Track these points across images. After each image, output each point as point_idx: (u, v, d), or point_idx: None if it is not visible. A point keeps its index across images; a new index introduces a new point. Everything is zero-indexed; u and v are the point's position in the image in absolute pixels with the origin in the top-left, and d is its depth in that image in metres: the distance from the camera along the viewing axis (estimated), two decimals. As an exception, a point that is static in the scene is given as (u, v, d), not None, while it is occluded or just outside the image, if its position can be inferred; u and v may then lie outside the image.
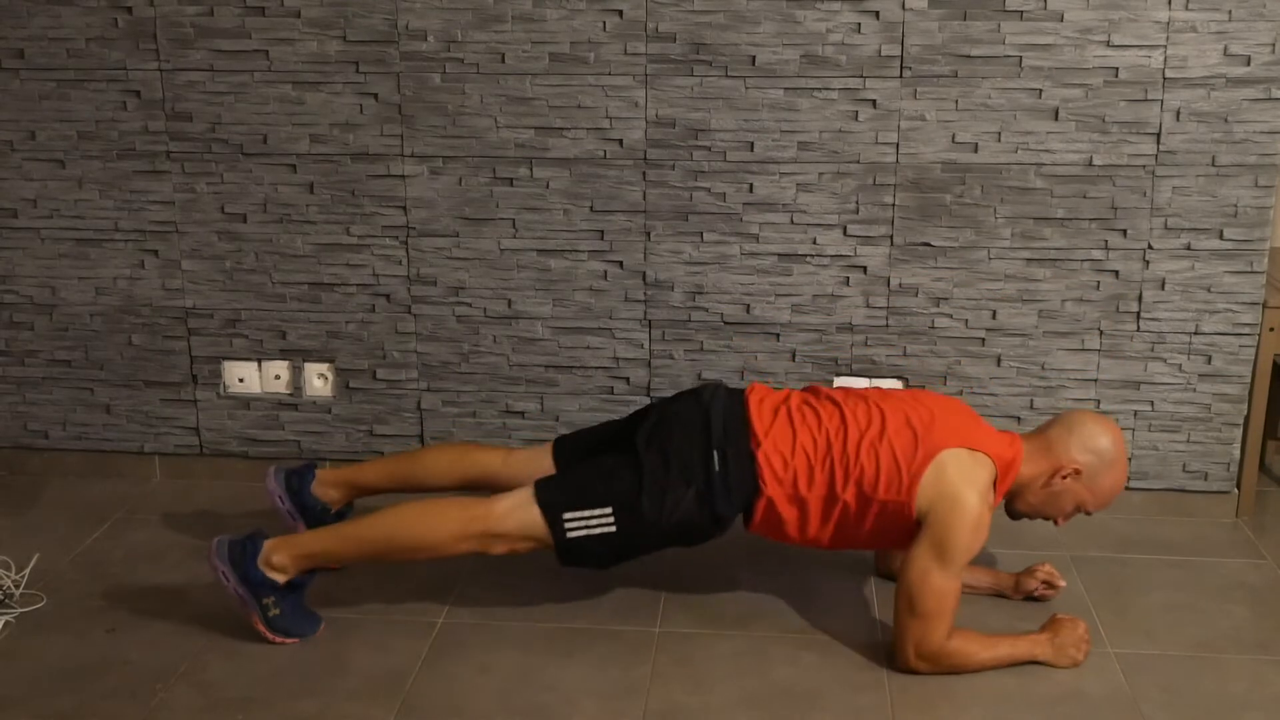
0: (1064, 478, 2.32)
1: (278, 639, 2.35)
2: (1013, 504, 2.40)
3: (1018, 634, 2.30)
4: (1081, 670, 2.28)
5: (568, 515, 2.28)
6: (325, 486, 2.61)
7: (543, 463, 2.52)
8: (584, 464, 2.39)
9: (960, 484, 2.22)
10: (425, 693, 2.22)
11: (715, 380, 2.50)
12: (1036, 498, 2.36)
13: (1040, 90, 2.71)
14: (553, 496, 2.29)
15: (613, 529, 2.27)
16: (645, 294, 2.92)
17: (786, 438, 2.30)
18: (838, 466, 2.27)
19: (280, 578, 2.33)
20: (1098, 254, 2.80)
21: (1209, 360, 2.85)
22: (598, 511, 2.28)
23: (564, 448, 2.54)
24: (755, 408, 2.35)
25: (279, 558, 2.32)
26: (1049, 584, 2.52)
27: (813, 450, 2.29)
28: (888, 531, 2.31)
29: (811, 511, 2.30)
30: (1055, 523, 2.41)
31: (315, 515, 2.60)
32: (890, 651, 2.29)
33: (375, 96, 2.85)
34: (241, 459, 3.13)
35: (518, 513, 2.29)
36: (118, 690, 2.22)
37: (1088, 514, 2.39)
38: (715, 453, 2.29)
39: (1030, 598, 2.53)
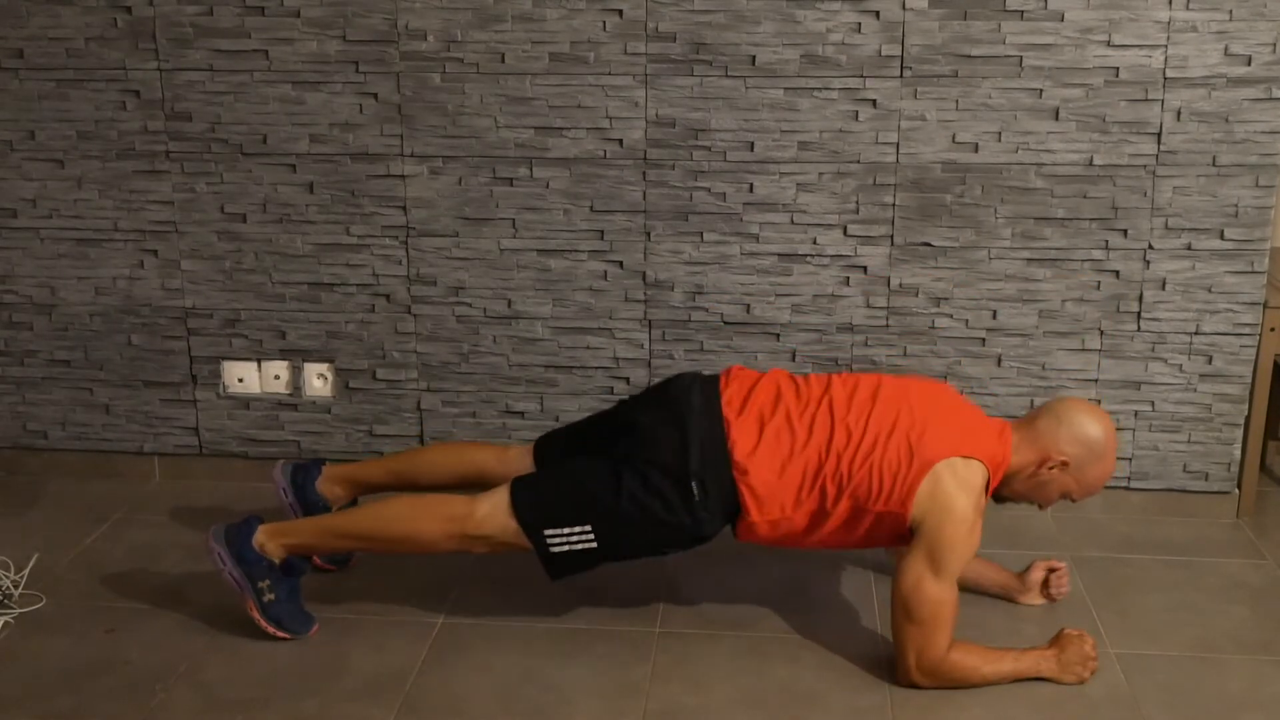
0: (1051, 468, 2.29)
1: (271, 628, 2.35)
2: (1000, 490, 2.37)
3: (1022, 649, 2.27)
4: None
5: (549, 532, 2.28)
6: (330, 483, 2.62)
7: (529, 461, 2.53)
8: (562, 469, 2.36)
9: (955, 493, 2.19)
10: (425, 693, 2.21)
11: (691, 373, 2.38)
12: (1024, 485, 2.34)
13: (1041, 90, 2.71)
14: (531, 513, 2.27)
15: (594, 545, 2.28)
16: (645, 294, 2.92)
17: (773, 464, 2.23)
18: (829, 483, 2.22)
19: (275, 557, 2.35)
20: (1098, 254, 2.80)
21: (1209, 360, 2.85)
22: (577, 529, 2.27)
23: (545, 449, 2.53)
24: (737, 426, 2.25)
25: (271, 545, 2.35)
26: (1052, 569, 2.52)
27: (800, 475, 2.23)
28: (881, 536, 2.29)
29: (798, 527, 2.28)
30: (1040, 507, 2.39)
31: (317, 512, 2.60)
32: (892, 666, 2.28)
33: (375, 96, 2.85)
34: (241, 459, 3.13)
35: (497, 518, 2.28)
36: (118, 690, 2.22)
37: (1073, 501, 2.38)
38: (694, 484, 2.23)
39: (1046, 596, 2.53)
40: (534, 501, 2.29)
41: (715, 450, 2.24)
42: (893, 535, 2.27)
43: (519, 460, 2.52)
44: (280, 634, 2.36)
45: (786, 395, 2.30)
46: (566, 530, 2.27)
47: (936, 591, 2.17)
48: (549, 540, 2.27)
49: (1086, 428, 2.28)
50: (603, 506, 2.26)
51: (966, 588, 2.51)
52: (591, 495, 2.27)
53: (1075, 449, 2.28)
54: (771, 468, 2.23)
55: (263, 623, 2.34)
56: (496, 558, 2.71)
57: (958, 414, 2.30)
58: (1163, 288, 2.81)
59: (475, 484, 2.53)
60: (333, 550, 2.41)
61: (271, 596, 2.34)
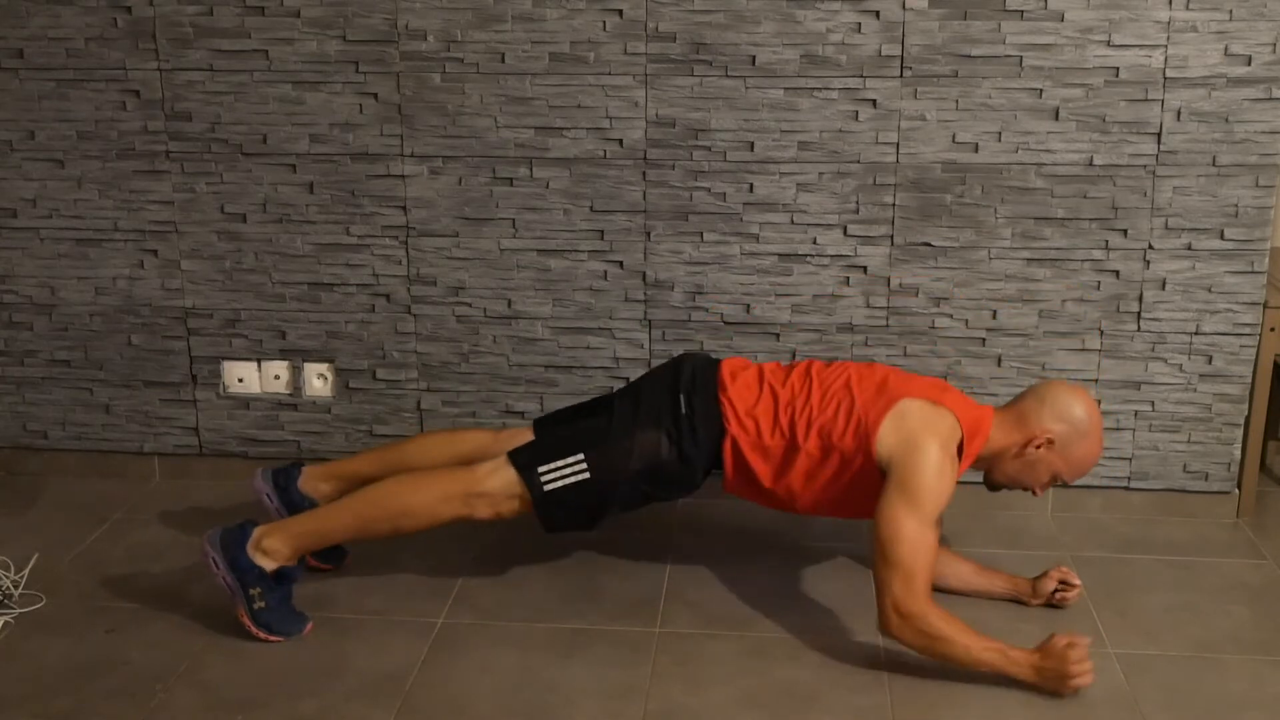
0: (1037, 447, 2.34)
1: (261, 634, 2.34)
2: (990, 475, 2.43)
3: (1008, 645, 2.21)
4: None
5: (542, 468, 2.35)
6: (315, 481, 2.61)
7: (530, 438, 2.54)
8: (559, 427, 2.49)
9: (919, 430, 2.26)
10: (425, 693, 2.21)
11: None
12: (1012, 467, 2.38)
13: (1040, 90, 2.71)
14: (526, 455, 2.38)
15: (586, 475, 2.34)
16: (645, 294, 2.92)
17: (752, 389, 2.40)
18: (799, 415, 2.34)
19: (269, 564, 2.34)
20: (1098, 254, 2.80)
21: (1210, 360, 2.85)
22: (570, 459, 2.35)
23: (543, 424, 2.57)
24: (726, 365, 2.45)
25: (269, 541, 2.34)
26: (1065, 583, 2.49)
27: (773, 402, 2.38)
28: (858, 488, 2.33)
29: (776, 460, 2.36)
30: (1034, 493, 2.42)
31: (303, 511, 2.60)
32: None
33: (375, 96, 2.85)
34: (241, 459, 3.13)
35: (498, 473, 2.36)
36: (118, 690, 2.22)
37: (1065, 484, 2.39)
38: (682, 396, 2.38)
39: (1050, 604, 2.49)
40: (530, 447, 2.40)
41: (704, 375, 2.42)
42: (870, 487, 2.30)
43: (513, 439, 2.54)
44: (271, 638, 2.35)
45: (769, 365, 2.49)
46: (559, 462, 2.35)
47: (913, 531, 2.19)
48: (543, 477, 2.34)
49: (1070, 406, 2.35)
50: (595, 433, 2.37)
51: (977, 595, 2.51)
52: (584, 427, 2.41)
53: (1060, 426, 2.34)
54: (750, 392, 2.40)
55: (252, 628, 2.34)
56: (495, 556, 2.71)
57: (941, 384, 2.40)
58: (1163, 288, 2.81)
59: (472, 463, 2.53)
60: (332, 538, 2.39)
61: (262, 604, 2.34)
